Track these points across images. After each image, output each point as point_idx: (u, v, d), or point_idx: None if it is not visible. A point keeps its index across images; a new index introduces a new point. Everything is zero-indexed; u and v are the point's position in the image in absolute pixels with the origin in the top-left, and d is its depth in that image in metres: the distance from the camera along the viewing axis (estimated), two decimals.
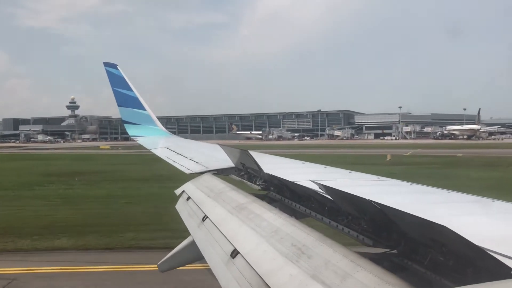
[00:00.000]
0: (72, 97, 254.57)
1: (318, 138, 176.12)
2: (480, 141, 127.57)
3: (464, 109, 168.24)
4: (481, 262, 2.04)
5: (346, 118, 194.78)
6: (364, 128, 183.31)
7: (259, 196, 4.73)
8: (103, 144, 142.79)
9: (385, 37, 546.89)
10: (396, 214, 2.44)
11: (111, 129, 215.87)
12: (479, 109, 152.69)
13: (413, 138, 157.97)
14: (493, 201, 3.67)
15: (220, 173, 6.53)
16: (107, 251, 15.94)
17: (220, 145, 7.03)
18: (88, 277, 13.58)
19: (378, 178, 5.47)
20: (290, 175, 4.80)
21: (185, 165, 7.78)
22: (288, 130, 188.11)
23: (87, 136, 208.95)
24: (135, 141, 14.16)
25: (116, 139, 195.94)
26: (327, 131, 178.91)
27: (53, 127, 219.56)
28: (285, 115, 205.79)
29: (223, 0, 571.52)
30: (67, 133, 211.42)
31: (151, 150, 11.54)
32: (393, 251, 2.74)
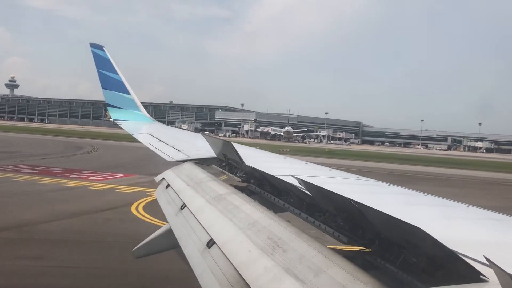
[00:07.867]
0: (12, 75, 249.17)
1: None
2: (283, 142, 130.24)
3: (326, 113, 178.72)
4: (452, 265, 2.08)
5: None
6: (223, 124, 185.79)
7: (239, 188, 4.72)
8: None
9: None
10: (372, 213, 2.46)
11: (30, 110, 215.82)
12: (289, 110, 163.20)
13: (249, 137, 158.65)
14: (468, 206, 3.76)
15: (201, 162, 6.50)
16: None
17: (202, 134, 7.02)
18: None
19: (358, 177, 5.54)
20: (271, 169, 4.81)
21: (167, 153, 7.72)
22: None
23: None
24: (119, 125, 13.93)
25: (31, 120, 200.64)
26: (176, 124, 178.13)
27: None
28: (171, 107, 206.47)
29: None
30: None
31: (133, 135, 11.38)
32: (367, 250, 2.77)
